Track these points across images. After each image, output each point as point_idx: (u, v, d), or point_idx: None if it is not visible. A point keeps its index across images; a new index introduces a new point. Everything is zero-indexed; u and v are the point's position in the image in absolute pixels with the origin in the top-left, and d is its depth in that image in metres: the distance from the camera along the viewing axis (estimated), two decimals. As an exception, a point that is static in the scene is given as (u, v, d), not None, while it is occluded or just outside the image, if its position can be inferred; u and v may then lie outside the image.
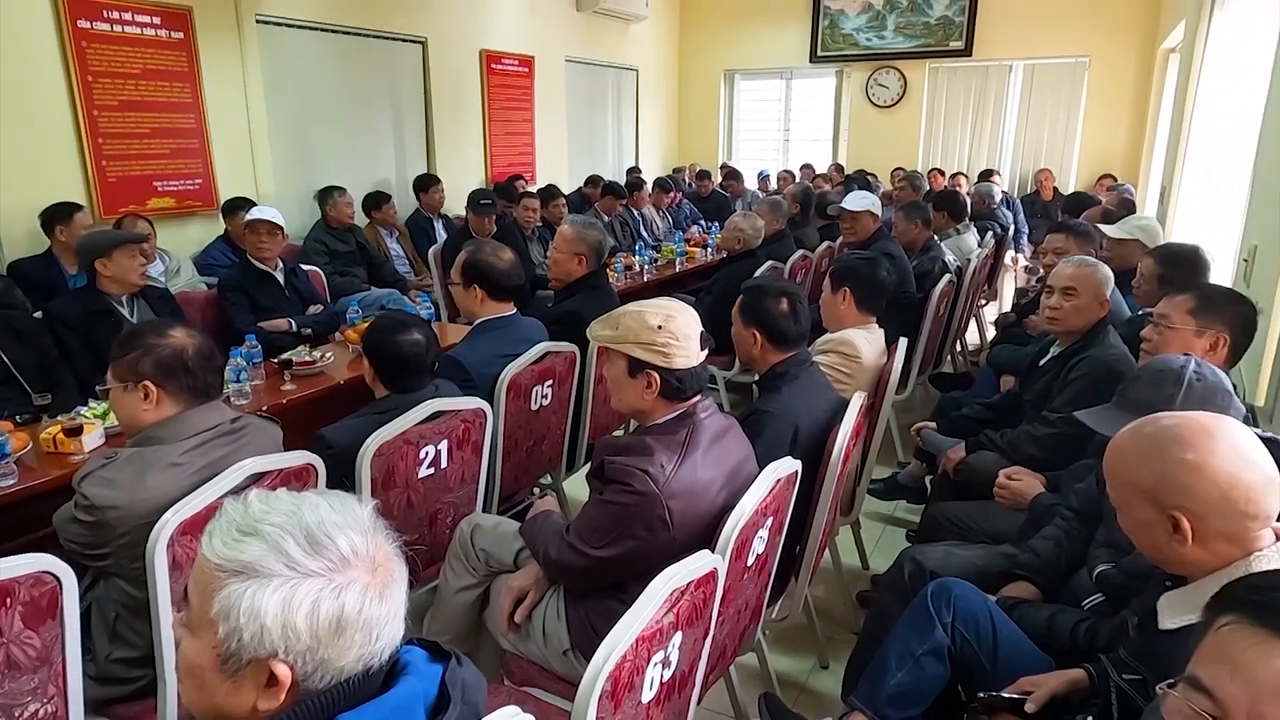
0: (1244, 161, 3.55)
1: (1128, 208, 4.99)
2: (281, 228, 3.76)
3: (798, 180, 7.89)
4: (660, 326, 1.71)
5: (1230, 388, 1.70)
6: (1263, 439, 1.25)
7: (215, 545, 0.82)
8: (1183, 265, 2.74)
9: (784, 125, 10.26)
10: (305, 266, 4.24)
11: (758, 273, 3.98)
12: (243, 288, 3.66)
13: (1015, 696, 1.46)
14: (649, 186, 7.46)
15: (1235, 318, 2.07)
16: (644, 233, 6.89)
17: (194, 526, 1.60)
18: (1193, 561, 1.22)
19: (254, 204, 4.66)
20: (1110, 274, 2.59)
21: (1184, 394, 1.64)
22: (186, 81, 4.83)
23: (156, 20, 4.64)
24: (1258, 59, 3.65)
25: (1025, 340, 3.57)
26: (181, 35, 4.77)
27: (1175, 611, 1.26)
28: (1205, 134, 5.14)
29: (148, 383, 1.73)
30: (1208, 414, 1.30)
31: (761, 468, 1.76)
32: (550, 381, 2.72)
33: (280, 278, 3.77)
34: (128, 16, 4.51)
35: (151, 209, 4.67)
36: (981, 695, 1.49)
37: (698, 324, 1.77)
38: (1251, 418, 2.28)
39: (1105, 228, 3.64)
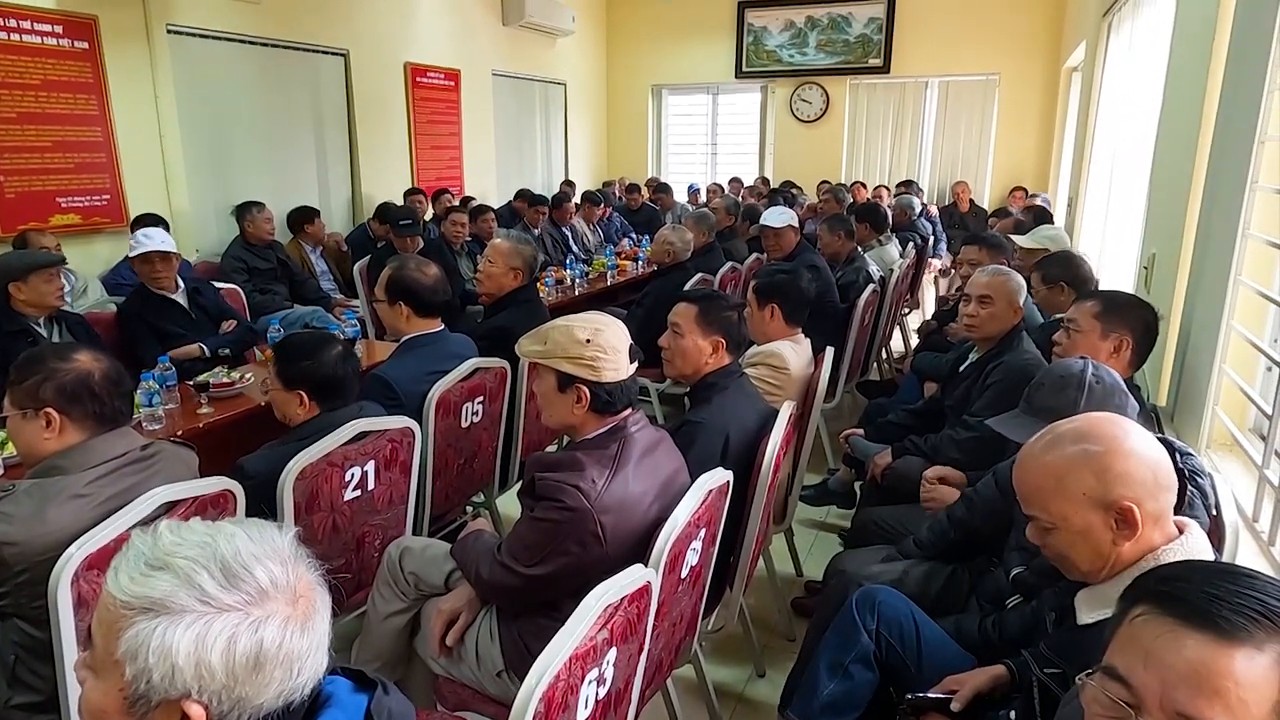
0: (1142, 173, 3.75)
1: (1045, 218, 5.22)
2: (175, 253, 3.47)
3: (726, 193, 8.01)
4: (589, 340, 1.71)
5: (1125, 388, 1.78)
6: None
7: (121, 581, 0.78)
8: (1056, 263, 3.03)
9: (711, 139, 10.41)
10: (223, 285, 4.08)
11: (688, 285, 4.02)
12: (142, 318, 3.38)
13: (941, 696, 1.50)
14: (575, 199, 7.46)
15: (1137, 322, 2.18)
16: (574, 246, 6.89)
17: (101, 560, 1.51)
18: (1126, 558, 1.25)
19: (163, 220, 4.48)
20: (1023, 282, 2.71)
21: (1086, 398, 1.71)
22: (92, 93, 4.63)
23: (59, 29, 4.43)
24: (1151, 77, 3.87)
25: (946, 347, 3.69)
26: (86, 45, 4.56)
27: (1091, 607, 1.32)
28: (1107, 147, 5.43)
29: (50, 410, 1.64)
30: (1099, 413, 1.37)
31: (693, 479, 1.77)
32: (481, 398, 2.68)
33: (183, 300, 3.51)
34: (26, 25, 4.29)
35: (55, 225, 4.44)
36: (909, 697, 1.52)
37: (626, 337, 1.78)
38: (1155, 419, 2.41)
39: (1016, 238, 3.81)
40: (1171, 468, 1.27)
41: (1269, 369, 2.31)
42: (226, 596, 0.77)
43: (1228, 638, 0.76)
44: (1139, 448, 1.25)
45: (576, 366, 1.71)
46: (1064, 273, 2.95)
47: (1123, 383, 1.79)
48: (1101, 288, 3.02)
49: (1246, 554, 1.77)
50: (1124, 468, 1.23)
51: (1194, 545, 1.26)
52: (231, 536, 0.81)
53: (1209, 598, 0.78)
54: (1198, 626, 0.77)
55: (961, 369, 2.79)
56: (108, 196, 4.78)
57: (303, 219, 5.50)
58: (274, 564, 0.81)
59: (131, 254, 3.45)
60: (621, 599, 1.37)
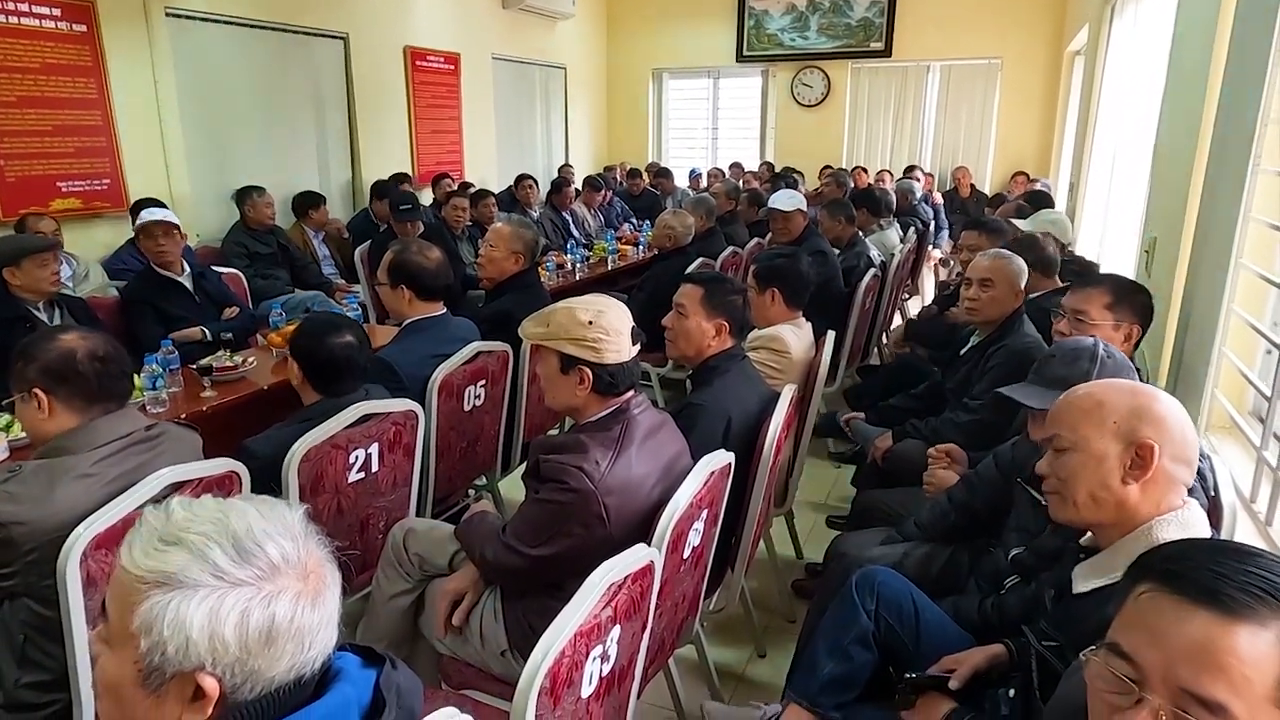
0: (1143, 158, 3.74)
1: (1044, 202, 5.20)
2: (177, 226, 3.50)
3: (727, 178, 7.99)
4: (591, 322, 1.71)
5: (1133, 367, 1.80)
6: None
7: (135, 555, 0.79)
8: (1019, 246, 3.00)
9: (712, 124, 10.37)
10: (223, 269, 4.08)
11: (689, 269, 4.01)
12: (147, 299, 3.39)
13: (939, 675, 1.51)
14: (575, 184, 7.45)
15: (1140, 308, 2.19)
16: (574, 231, 6.88)
17: (109, 540, 1.53)
18: (1131, 505, 1.28)
19: (163, 205, 4.48)
20: (1025, 266, 2.70)
21: (1099, 369, 1.72)
22: (91, 76, 4.61)
23: (57, 12, 4.41)
24: (1154, 62, 3.85)
25: (947, 332, 3.70)
26: (85, 28, 4.54)
27: (1087, 578, 1.33)
28: (1109, 132, 5.41)
29: (37, 390, 1.65)
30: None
31: (695, 461, 1.78)
32: (483, 381, 2.69)
33: (188, 283, 3.52)
34: (25, 8, 4.27)
35: (56, 210, 4.43)
36: (908, 676, 1.54)
37: (629, 319, 1.78)
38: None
39: (1017, 222, 3.80)
40: (1197, 452, 1.30)
41: (1269, 352, 2.32)
42: (239, 571, 0.78)
43: (1232, 615, 0.76)
44: (1178, 411, 1.31)
45: (579, 348, 1.72)
46: (1027, 255, 2.93)
47: (1128, 361, 1.81)
48: (1102, 272, 3.02)
49: (1244, 534, 1.79)
50: (1161, 413, 1.29)
51: (1190, 518, 1.28)
52: (243, 513, 0.82)
53: (1214, 575, 0.79)
54: (1202, 604, 0.78)
55: (962, 352, 2.80)
56: (108, 181, 4.77)
57: (308, 204, 5.49)
58: (285, 540, 0.82)
59: (136, 225, 3.45)
60: (625, 577, 1.38)
